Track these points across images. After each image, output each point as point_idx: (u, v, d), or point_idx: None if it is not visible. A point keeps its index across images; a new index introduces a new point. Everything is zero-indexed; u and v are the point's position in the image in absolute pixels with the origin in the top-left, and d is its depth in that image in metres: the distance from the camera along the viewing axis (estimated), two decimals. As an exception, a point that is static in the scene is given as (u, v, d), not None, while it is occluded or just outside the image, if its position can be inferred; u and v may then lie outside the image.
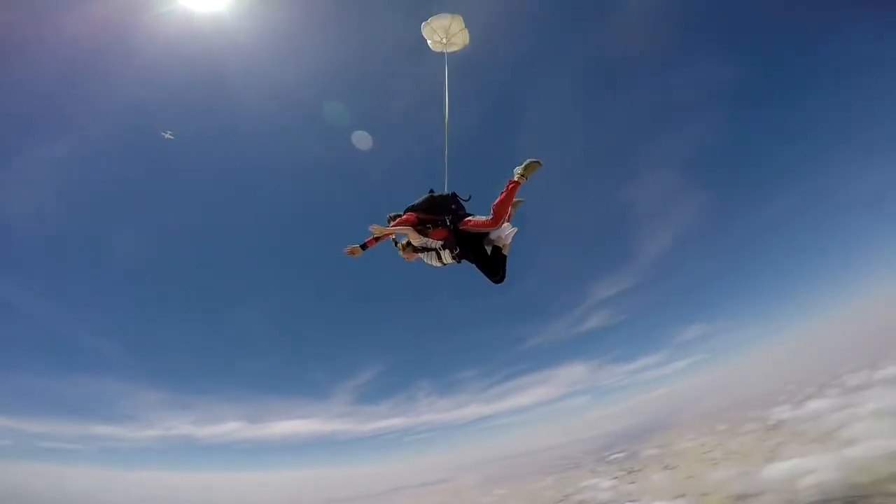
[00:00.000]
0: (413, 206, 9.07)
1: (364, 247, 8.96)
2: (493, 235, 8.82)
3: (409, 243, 9.02)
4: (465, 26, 10.80)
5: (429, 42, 11.02)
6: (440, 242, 8.82)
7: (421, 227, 8.80)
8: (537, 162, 8.66)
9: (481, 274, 8.91)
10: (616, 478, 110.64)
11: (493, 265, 8.77)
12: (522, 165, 8.79)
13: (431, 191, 9.29)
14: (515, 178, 8.74)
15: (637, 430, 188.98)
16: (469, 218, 8.91)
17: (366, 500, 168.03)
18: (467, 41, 11.06)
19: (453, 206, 9.04)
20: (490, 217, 8.58)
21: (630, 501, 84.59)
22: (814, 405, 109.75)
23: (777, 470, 72.18)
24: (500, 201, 8.64)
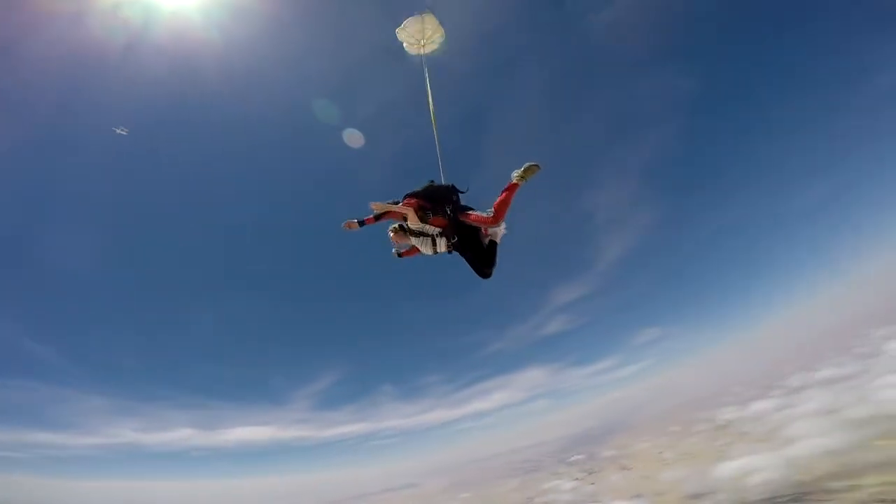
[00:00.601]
0: (414, 192, 9.24)
1: (362, 223, 9.14)
2: (490, 231, 9.15)
3: (401, 227, 9.18)
4: (440, 23, 10.66)
5: (405, 45, 10.92)
6: (438, 230, 9.02)
7: (422, 213, 8.94)
8: (536, 165, 8.97)
9: (469, 267, 9.32)
10: (577, 479, 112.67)
11: (489, 257, 9.11)
12: (522, 169, 9.03)
13: (431, 181, 9.40)
14: (515, 181, 9.01)
15: (595, 432, 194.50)
16: (470, 212, 9.18)
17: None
18: (444, 37, 10.92)
19: (454, 198, 9.28)
20: (491, 215, 8.94)
21: (591, 502, 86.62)
22: (758, 406, 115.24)
23: (727, 469, 75.51)
24: (502, 201, 8.93)
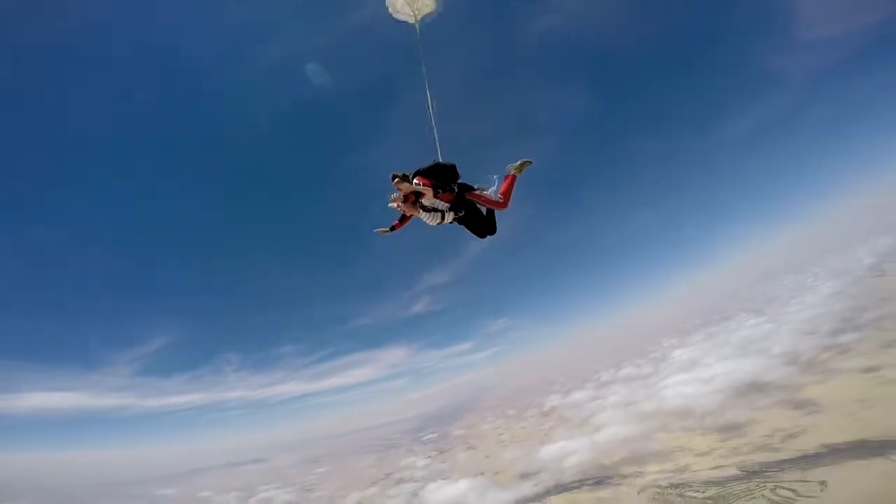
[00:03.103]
0: (422, 170, 9.94)
1: (392, 229, 10.36)
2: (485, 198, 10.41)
3: (406, 198, 9.85)
4: None
5: (398, 16, 10.80)
6: (447, 205, 10.04)
7: (434, 191, 9.88)
8: (529, 162, 10.52)
9: (469, 231, 10.58)
10: (429, 457, 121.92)
11: (492, 223, 10.51)
12: (518, 163, 10.47)
13: (436, 161, 10.21)
14: (512, 172, 10.42)
15: (447, 411, 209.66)
16: (476, 191, 10.25)
17: (158, 484, 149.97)
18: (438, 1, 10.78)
19: (457, 176, 10.26)
20: (501, 200, 10.23)
21: (441, 479, 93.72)
22: (576, 395, 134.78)
23: (549, 451, 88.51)
24: (506, 189, 10.27)
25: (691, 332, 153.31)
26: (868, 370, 66.20)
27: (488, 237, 10.68)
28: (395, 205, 9.87)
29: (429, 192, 9.77)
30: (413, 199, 9.92)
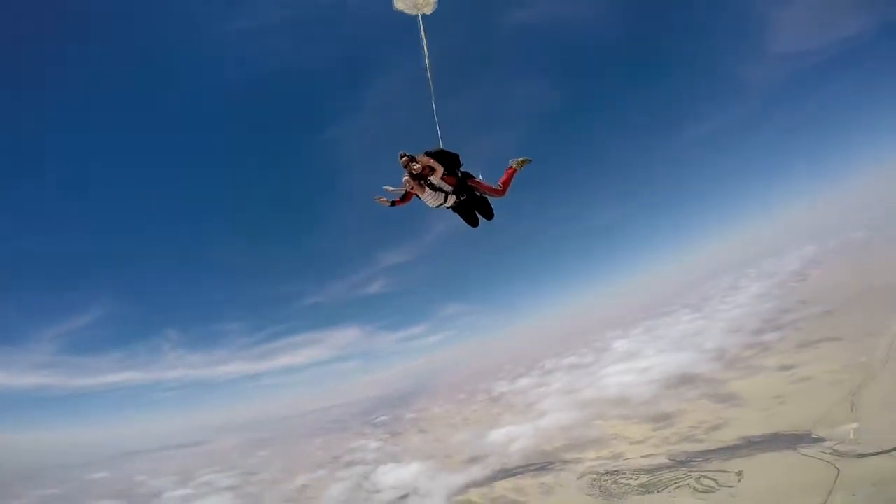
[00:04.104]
0: (430, 152, 10.36)
1: (393, 203, 10.77)
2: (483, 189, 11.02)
3: (413, 176, 10.23)
4: None
5: (405, 9, 10.80)
6: (451, 188, 10.56)
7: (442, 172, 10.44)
8: (530, 160, 11.26)
9: (462, 219, 11.09)
10: (381, 440, 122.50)
11: (489, 208, 11.15)
12: (520, 159, 11.16)
13: (440, 147, 10.61)
14: (514, 166, 11.09)
15: (399, 395, 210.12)
16: (478, 180, 10.83)
17: (89, 468, 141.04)
18: None
19: (461, 162, 10.74)
20: (500, 189, 10.92)
21: (392, 462, 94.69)
22: (523, 382, 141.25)
23: (497, 436, 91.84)
24: (506, 180, 10.98)
25: (633, 325, 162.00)
26: (784, 368, 73.31)
27: (482, 224, 11.27)
28: (406, 187, 10.29)
29: (440, 169, 10.20)
30: (423, 176, 10.33)
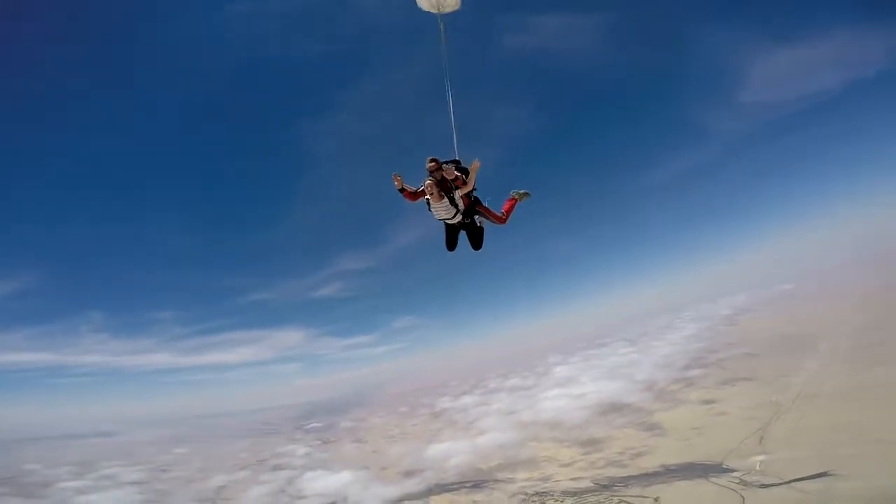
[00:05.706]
0: (458, 168, 10.30)
1: (402, 191, 10.25)
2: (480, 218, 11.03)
3: (438, 182, 9.90)
4: None
5: (425, 7, 10.73)
6: (464, 207, 10.41)
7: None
8: (529, 194, 11.46)
9: (459, 240, 11.05)
10: (311, 446, 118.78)
11: (481, 238, 11.07)
12: (522, 191, 11.37)
13: (457, 161, 10.50)
14: (515, 197, 11.32)
15: (338, 402, 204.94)
16: (485, 206, 10.91)
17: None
18: None
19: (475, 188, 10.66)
20: (502, 216, 11.09)
21: (321, 469, 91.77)
22: (466, 399, 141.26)
23: (435, 451, 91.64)
24: (508, 209, 11.19)
25: (574, 353, 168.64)
26: (705, 402, 79.15)
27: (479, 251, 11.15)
28: (427, 190, 9.86)
29: (466, 188, 9.99)
30: (449, 186, 9.98)
